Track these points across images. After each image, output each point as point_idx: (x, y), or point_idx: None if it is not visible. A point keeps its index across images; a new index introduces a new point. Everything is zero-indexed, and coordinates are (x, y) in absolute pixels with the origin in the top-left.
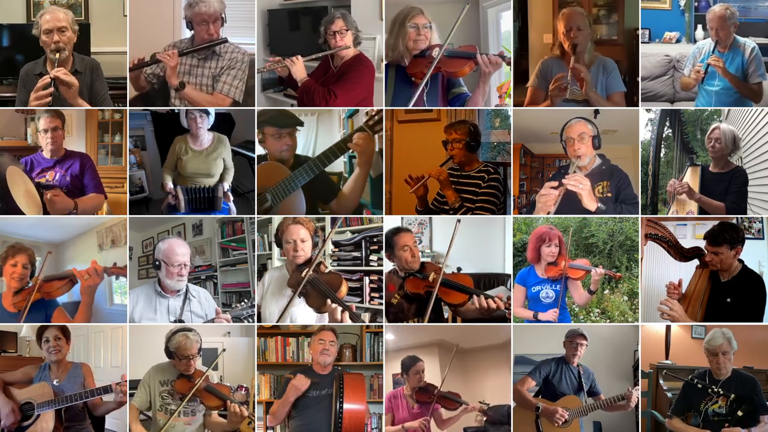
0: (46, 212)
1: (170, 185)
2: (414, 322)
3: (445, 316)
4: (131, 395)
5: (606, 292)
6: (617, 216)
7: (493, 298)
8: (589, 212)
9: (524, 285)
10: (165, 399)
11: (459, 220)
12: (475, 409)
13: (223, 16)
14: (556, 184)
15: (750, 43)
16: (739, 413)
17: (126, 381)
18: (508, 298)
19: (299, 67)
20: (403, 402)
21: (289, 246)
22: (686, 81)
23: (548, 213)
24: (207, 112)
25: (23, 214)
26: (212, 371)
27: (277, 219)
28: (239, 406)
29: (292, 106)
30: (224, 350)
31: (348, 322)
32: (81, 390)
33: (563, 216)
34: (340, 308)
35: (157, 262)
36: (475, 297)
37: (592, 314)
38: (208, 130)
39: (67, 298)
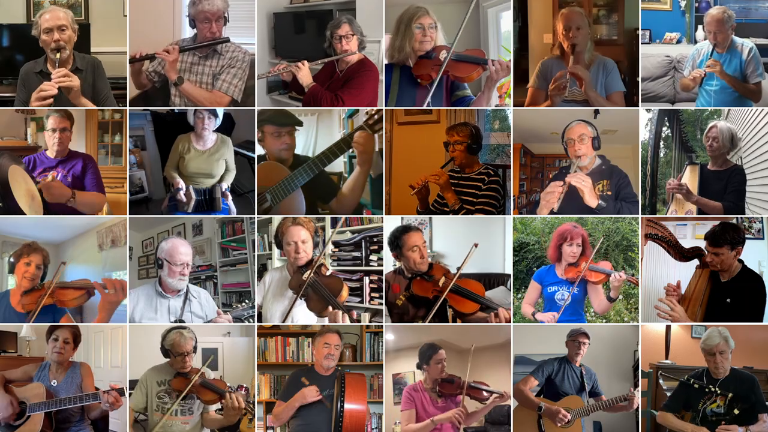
0: (47, 212)
1: (181, 182)
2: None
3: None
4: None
5: None
6: (614, 216)
7: (507, 308)
8: (590, 209)
9: (540, 283)
10: (162, 398)
11: (476, 245)
12: (508, 397)
13: (226, 15)
14: (561, 183)
15: (748, 43)
16: (736, 411)
17: (125, 387)
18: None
19: (305, 73)
20: (426, 396)
21: (290, 248)
22: (686, 82)
23: (551, 210)
24: (215, 114)
25: (24, 213)
26: (210, 370)
27: (277, 219)
28: (235, 395)
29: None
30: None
31: (347, 323)
32: (77, 392)
33: (561, 216)
34: (340, 312)
35: (159, 261)
36: (492, 313)
37: (588, 314)
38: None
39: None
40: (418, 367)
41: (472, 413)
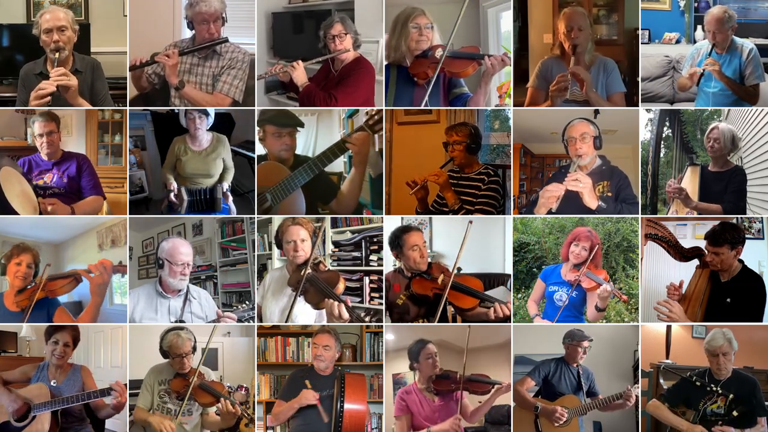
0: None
1: (174, 184)
2: (422, 322)
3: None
4: (134, 396)
5: None
6: (615, 216)
7: (506, 303)
8: (590, 210)
9: (545, 281)
10: (162, 398)
11: (471, 222)
12: (509, 387)
13: (223, 15)
14: (561, 186)
15: (748, 44)
16: (735, 413)
17: (126, 384)
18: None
19: (300, 72)
20: (420, 397)
21: (289, 246)
22: (683, 82)
23: (550, 210)
24: (206, 113)
25: (18, 214)
26: (211, 371)
27: (277, 219)
28: (230, 403)
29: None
30: (222, 341)
31: (345, 314)
32: (79, 392)
33: (562, 216)
34: (336, 303)
35: (160, 261)
36: (491, 306)
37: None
38: (208, 130)
39: (67, 298)
40: (411, 368)
41: (474, 411)
